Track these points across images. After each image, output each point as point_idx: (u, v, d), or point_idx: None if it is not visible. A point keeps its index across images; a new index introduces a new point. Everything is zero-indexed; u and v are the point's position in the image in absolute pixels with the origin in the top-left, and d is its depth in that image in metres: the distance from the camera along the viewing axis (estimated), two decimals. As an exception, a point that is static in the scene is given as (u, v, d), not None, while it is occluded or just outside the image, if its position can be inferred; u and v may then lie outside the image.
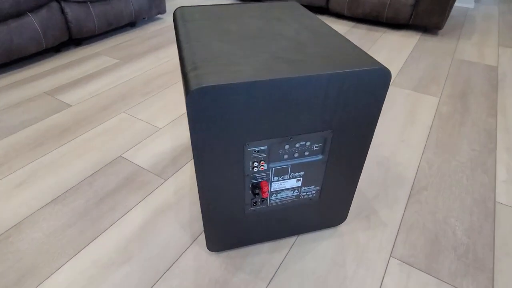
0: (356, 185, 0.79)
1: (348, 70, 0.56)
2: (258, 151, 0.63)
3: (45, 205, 0.93)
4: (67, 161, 1.11)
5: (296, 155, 0.67)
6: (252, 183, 0.68)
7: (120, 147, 1.14)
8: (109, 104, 1.37)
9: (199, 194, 0.66)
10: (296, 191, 0.74)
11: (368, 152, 1.14)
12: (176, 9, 0.86)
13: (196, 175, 0.63)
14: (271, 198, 0.73)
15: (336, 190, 0.77)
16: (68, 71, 1.61)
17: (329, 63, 0.58)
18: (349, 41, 0.68)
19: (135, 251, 0.81)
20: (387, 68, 0.58)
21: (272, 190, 0.71)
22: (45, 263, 0.78)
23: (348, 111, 0.62)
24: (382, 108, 1.39)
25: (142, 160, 1.08)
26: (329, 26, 0.76)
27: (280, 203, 0.75)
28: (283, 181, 0.70)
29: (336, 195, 0.78)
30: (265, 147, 0.63)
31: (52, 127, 1.24)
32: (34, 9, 1.56)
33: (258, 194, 0.69)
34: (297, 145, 0.65)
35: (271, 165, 0.67)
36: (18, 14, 1.51)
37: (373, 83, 0.59)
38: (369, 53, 1.88)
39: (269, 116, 0.58)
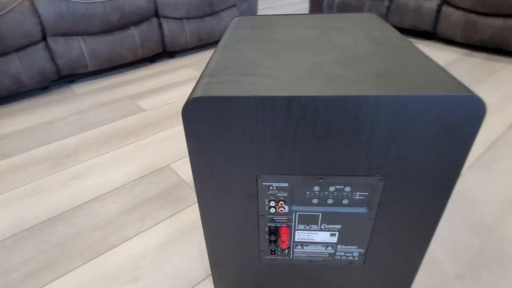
0: (423, 256, 0.56)
1: (412, 94, 0.38)
2: (276, 187, 0.49)
3: (85, 203, 0.94)
4: (122, 162, 1.13)
5: (330, 201, 0.50)
6: (270, 227, 0.54)
7: (172, 156, 1.12)
8: (177, 113, 1.40)
9: (203, 229, 0.55)
10: (330, 248, 0.56)
11: (458, 210, 0.86)
12: (234, 18, 0.79)
13: (198, 207, 0.52)
14: (295, 249, 0.57)
15: (389, 257, 0.56)
16: (154, 79, 1.73)
17: (385, 83, 0.41)
18: (430, 59, 0.49)
19: (145, 273, 0.73)
20: (478, 97, 0.38)
21: (296, 240, 0.55)
22: (63, 261, 0.77)
23: (409, 153, 0.43)
24: (491, 156, 1.06)
25: (187, 174, 1.03)
26: (407, 39, 0.57)
27: (307, 258, 0.58)
28: (311, 231, 0.54)
29: (389, 264, 0.57)
30: (286, 185, 0.48)
31: (122, 128, 1.31)
32: (136, 23, 1.73)
33: (275, 242, 0.54)
34: (331, 188, 0.48)
35: (294, 209, 0.51)
36: (123, 27, 1.69)
37: (455, 116, 0.39)
38: (482, 86, 1.52)
39: (290, 144, 0.44)
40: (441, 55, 1.91)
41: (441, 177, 0.45)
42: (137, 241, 0.81)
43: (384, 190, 0.47)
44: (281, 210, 0.51)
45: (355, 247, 0.55)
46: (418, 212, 0.49)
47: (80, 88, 1.68)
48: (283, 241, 0.53)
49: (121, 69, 1.89)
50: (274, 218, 0.52)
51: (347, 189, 0.48)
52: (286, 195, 0.49)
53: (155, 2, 1.76)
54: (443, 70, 0.45)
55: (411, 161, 0.44)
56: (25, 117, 1.42)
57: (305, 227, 0.53)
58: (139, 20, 1.72)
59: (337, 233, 0.54)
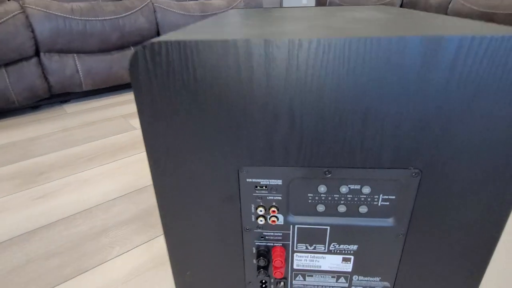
0: (472, 297, 0.40)
1: (468, 35, 0.26)
2: (265, 186, 0.35)
3: (47, 225, 0.80)
4: (101, 180, 1.00)
5: (341, 208, 0.35)
6: (258, 247, 0.39)
7: (158, 175, 0.99)
8: (170, 132, 1.28)
9: (167, 250, 0.40)
10: (343, 280, 0.40)
11: None
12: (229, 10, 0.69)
13: (160, 217, 0.38)
14: (294, 281, 0.41)
15: (425, 296, 0.40)
16: (151, 100, 1.65)
17: (420, 28, 0.29)
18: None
19: (102, 312, 0.57)
20: None
21: (295, 267, 0.40)
22: (6, 294, 0.61)
23: (468, 133, 0.30)
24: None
25: (172, 193, 0.89)
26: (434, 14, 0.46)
27: (311, 295, 0.42)
28: (316, 255, 0.39)
29: (426, 308, 0.41)
30: (279, 182, 0.34)
31: (109, 146, 1.20)
32: (137, 43, 1.69)
33: (266, 268, 0.39)
34: (344, 189, 0.34)
35: (291, 219, 0.37)
36: (122, 46, 1.65)
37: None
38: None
39: (284, 120, 0.30)
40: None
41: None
42: (99, 272, 0.66)
43: (420, 191, 0.33)
44: (274, 221, 0.36)
45: (377, 278, 0.39)
46: (470, 228, 0.34)
47: (72, 108, 1.60)
48: (276, 268, 0.38)
49: (117, 90, 1.82)
50: (264, 233, 0.38)
51: (366, 189, 0.34)
52: (280, 198, 0.35)
53: (157, 24, 1.73)
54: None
55: (468, 146, 0.30)
56: (9, 133, 1.33)
57: (307, 248, 0.38)
58: (139, 41, 1.68)
59: (352, 257, 0.38)
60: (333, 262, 0.39)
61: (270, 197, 0.35)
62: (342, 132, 0.31)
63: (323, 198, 0.35)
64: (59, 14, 1.40)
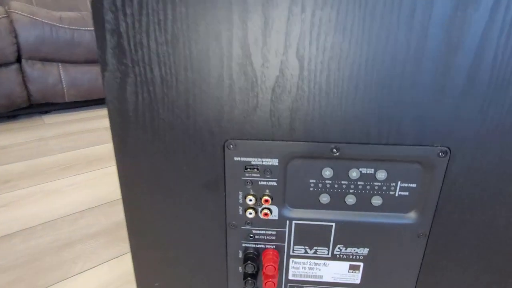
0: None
1: None
2: (257, 168, 0.28)
3: (3, 236, 0.70)
4: (73, 190, 0.91)
5: (350, 200, 0.29)
6: (246, 249, 0.31)
7: (137, 187, 0.90)
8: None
9: (131, 251, 0.32)
10: (349, 294, 0.32)
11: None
12: None
13: (123, 204, 0.30)
14: (288, 296, 0.33)
15: (450, 318, 0.32)
16: (137, 114, 1.58)
17: None
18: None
19: None
20: None
21: (290, 278, 0.32)
22: None
23: None
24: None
25: (151, 206, 0.80)
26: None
27: (310, 314, 0.34)
28: (317, 261, 0.31)
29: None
30: (275, 162, 0.28)
31: (86, 156, 1.11)
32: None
33: (254, 277, 0.31)
34: (354, 173, 0.28)
35: (287, 213, 0.30)
36: (111, 59, 1.60)
37: None
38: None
39: (285, 74, 0.24)
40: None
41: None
42: (57, 291, 0.55)
43: (448, 177, 0.27)
44: (266, 215, 0.29)
45: (392, 294, 0.32)
46: (510, 228, 0.28)
47: (51, 119, 1.52)
48: (268, 277, 0.30)
49: (102, 104, 1.75)
50: (254, 231, 0.30)
51: (381, 174, 0.28)
52: (275, 183, 0.28)
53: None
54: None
55: None
56: (-22, 142, 1.23)
57: (306, 252, 0.31)
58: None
59: (361, 264, 0.31)
60: (337, 271, 0.31)
61: (263, 182, 0.28)
62: (354, 97, 0.25)
63: (328, 185, 0.28)
64: (47, 21, 1.36)
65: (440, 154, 0.26)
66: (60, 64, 1.46)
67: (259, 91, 0.25)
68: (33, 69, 1.39)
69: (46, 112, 1.60)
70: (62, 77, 1.46)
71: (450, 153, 0.26)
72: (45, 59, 1.42)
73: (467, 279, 0.31)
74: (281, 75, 0.24)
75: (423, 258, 0.30)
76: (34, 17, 1.34)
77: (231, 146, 0.27)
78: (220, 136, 0.27)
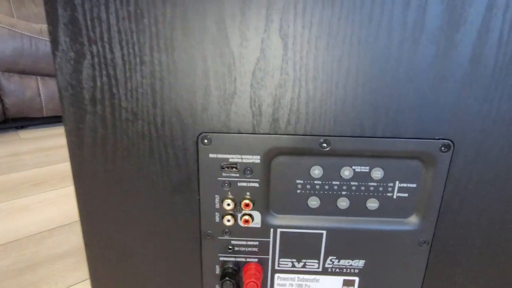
0: None
1: None
2: (236, 166, 0.24)
3: (-42, 256, 0.63)
4: (43, 207, 0.84)
5: (343, 203, 0.25)
6: (223, 264, 0.27)
7: (114, 203, 0.84)
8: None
9: (87, 264, 0.27)
10: (343, 315, 0.28)
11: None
12: None
13: (78, 209, 0.26)
14: (274, 319, 0.29)
15: None
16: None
17: None
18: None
19: None
20: None
21: None
22: None
23: None
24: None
25: (127, 223, 0.74)
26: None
27: None
28: (307, 276, 0.27)
29: None
30: (257, 159, 0.24)
31: (61, 172, 1.04)
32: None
33: None
34: (346, 172, 0.24)
35: (271, 219, 0.26)
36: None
37: None
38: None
39: (267, 55, 0.21)
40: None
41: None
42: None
43: (452, 174, 0.24)
44: (247, 222, 0.25)
45: (392, 313, 0.28)
46: None
47: (27, 133, 1.45)
48: None
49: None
50: (233, 241, 0.26)
51: (377, 173, 0.24)
52: (256, 185, 0.24)
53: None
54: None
55: None
56: None
57: (294, 265, 0.27)
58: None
59: (356, 279, 0.27)
60: (330, 287, 0.27)
61: (242, 184, 0.24)
62: (346, 83, 0.22)
63: (317, 186, 0.25)
64: (26, 33, 1.32)
65: (442, 148, 0.23)
66: (39, 77, 1.41)
67: (237, 75, 0.22)
68: (9, 82, 1.34)
69: (22, 127, 1.53)
70: (40, 91, 1.41)
71: (454, 147, 0.23)
72: (23, 72, 1.36)
73: (475, 294, 0.27)
74: (262, 56, 0.21)
75: (426, 269, 0.26)
76: (13, 29, 1.30)
77: (206, 140, 0.23)
78: (193, 129, 0.23)
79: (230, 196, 0.25)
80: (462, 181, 0.24)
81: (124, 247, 0.26)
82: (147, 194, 0.25)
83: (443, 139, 0.23)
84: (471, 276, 0.26)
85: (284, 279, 0.27)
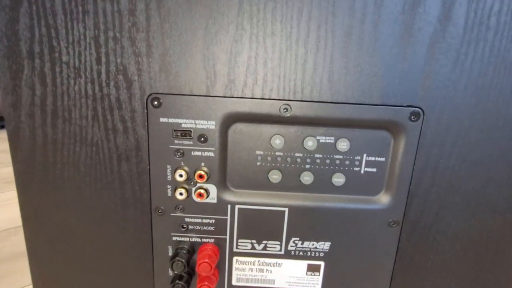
0: None
1: None
2: (189, 133, 0.22)
3: None
4: (10, 205, 0.80)
5: (306, 177, 0.23)
6: (176, 243, 0.24)
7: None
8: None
9: (25, 240, 0.25)
10: (308, 305, 0.26)
11: None
12: None
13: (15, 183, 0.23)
14: (233, 309, 0.26)
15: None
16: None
17: None
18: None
19: None
20: None
21: (235, 283, 0.25)
22: None
23: None
24: None
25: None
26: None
27: (260, 333, 0.26)
28: (268, 259, 0.25)
29: None
30: (212, 125, 0.22)
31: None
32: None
33: (187, 282, 0.24)
34: (309, 143, 0.22)
35: (228, 195, 0.23)
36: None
37: None
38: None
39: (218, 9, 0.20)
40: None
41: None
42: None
43: (423, 147, 0.22)
44: (201, 196, 0.23)
45: (361, 303, 0.25)
46: (496, 210, 0.23)
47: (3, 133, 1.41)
48: (202, 280, 0.23)
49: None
50: (187, 219, 0.24)
51: (343, 144, 0.22)
52: (211, 154, 0.22)
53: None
54: None
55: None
56: None
57: (254, 247, 0.24)
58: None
59: (322, 263, 0.25)
60: (293, 273, 0.25)
61: (197, 153, 0.22)
62: (306, 40, 0.20)
63: (279, 158, 0.23)
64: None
65: (412, 117, 0.21)
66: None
67: (193, 27, 0.20)
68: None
69: (3, 127, 1.49)
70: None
71: (424, 115, 0.21)
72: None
73: (451, 276, 0.25)
74: (215, 7, 0.20)
75: (396, 252, 0.24)
76: None
77: (156, 102, 0.21)
78: (141, 88, 0.21)
79: (183, 166, 0.23)
80: (434, 154, 0.22)
81: (63, 225, 0.24)
82: (89, 161, 0.22)
83: (412, 106, 0.21)
84: (445, 259, 0.24)
85: (243, 262, 0.25)
